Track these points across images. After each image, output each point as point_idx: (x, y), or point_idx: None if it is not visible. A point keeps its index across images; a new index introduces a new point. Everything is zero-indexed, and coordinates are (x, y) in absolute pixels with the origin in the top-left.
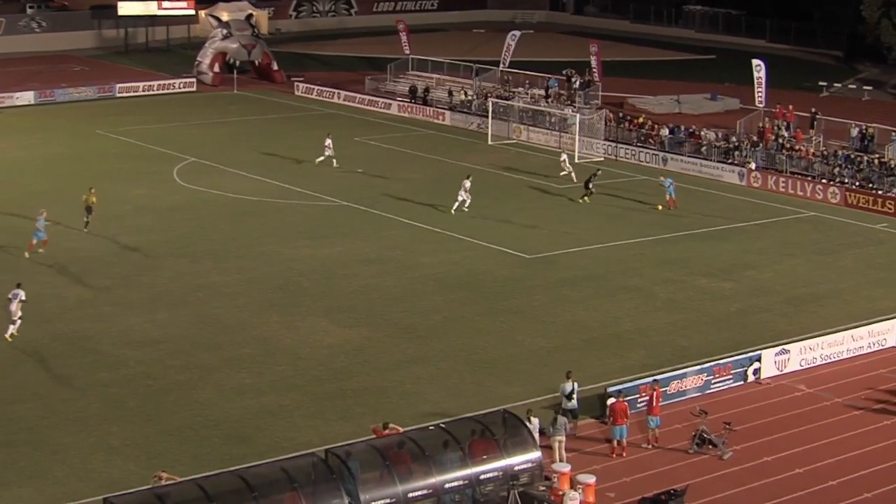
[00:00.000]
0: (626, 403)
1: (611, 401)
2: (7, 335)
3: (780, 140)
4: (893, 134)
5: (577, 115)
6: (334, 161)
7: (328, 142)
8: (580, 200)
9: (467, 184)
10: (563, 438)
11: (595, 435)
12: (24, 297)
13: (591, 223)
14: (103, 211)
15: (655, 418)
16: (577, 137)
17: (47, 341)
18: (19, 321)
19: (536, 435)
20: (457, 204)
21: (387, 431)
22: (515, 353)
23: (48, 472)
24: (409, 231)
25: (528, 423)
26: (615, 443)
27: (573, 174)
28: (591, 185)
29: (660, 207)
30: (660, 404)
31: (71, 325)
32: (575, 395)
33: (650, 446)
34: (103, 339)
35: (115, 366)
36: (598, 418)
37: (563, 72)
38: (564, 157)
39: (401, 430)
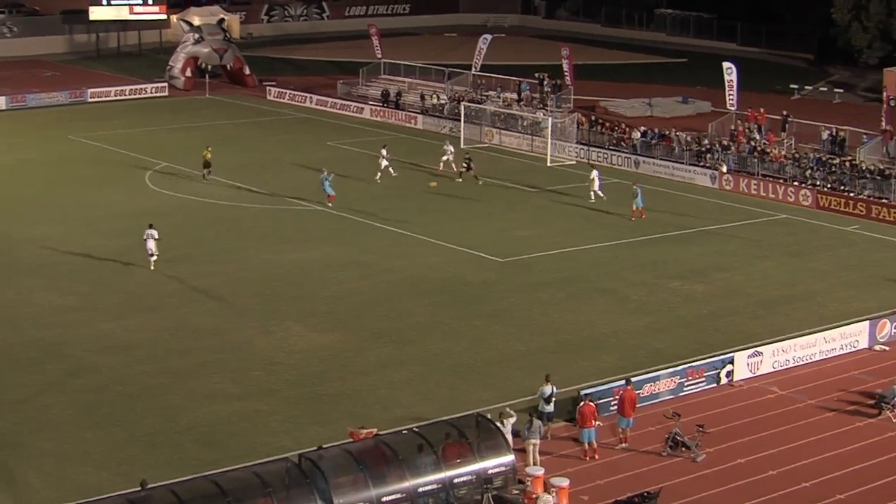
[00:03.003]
0: (593, 406)
1: (580, 404)
2: (152, 268)
3: (753, 143)
4: (864, 137)
5: (550, 119)
6: (391, 170)
7: (383, 152)
8: (460, 179)
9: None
10: (538, 442)
11: (568, 438)
12: (157, 236)
13: (564, 226)
14: (75, 215)
15: (627, 419)
16: (549, 141)
17: (20, 347)
18: (153, 258)
19: (509, 437)
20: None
21: (363, 434)
22: (489, 357)
23: (21, 478)
24: (384, 235)
25: (501, 426)
26: (586, 445)
27: (452, 164)
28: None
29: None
30: (634, 406)
31: (44, 331)
32: (554, 399)
33: (624, 444)
34: (77, 344)
35: (89, 372)
36: (571, 421)
37: (535, 75)
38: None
39: (375, 432)
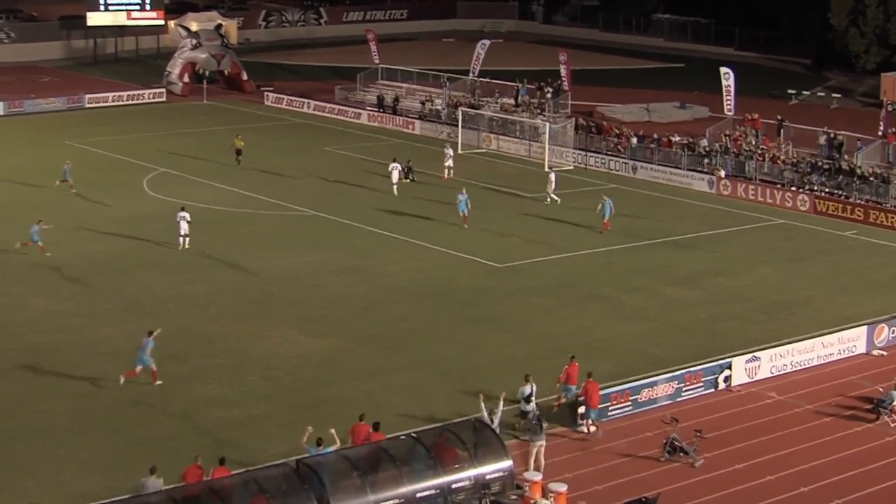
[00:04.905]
0: (597, 383)
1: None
2: (185, 247)
3: (750, 148)
4: (859, 143)
5: (548, 124)
6: (395, 189)
7: (394, 165)
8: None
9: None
10: (544, 443)
11: (566, 443)
12: (189, 218)
13: (559, 232)
14: (72, 221)
15: (594, 410)
16: (546, 146)
17: (16, 353)
18: (187, 238)
19: (497, 427)
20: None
21: (363, 423)
22: (485, 363)
23: (17, 484)
24: (379, 240)
25: (490, 422)
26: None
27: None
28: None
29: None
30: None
31: (40, 337)
32: (534, 398)
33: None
34: (73, 350)
35: (84, 377)
36: (567, 426)
37: (539, 86)
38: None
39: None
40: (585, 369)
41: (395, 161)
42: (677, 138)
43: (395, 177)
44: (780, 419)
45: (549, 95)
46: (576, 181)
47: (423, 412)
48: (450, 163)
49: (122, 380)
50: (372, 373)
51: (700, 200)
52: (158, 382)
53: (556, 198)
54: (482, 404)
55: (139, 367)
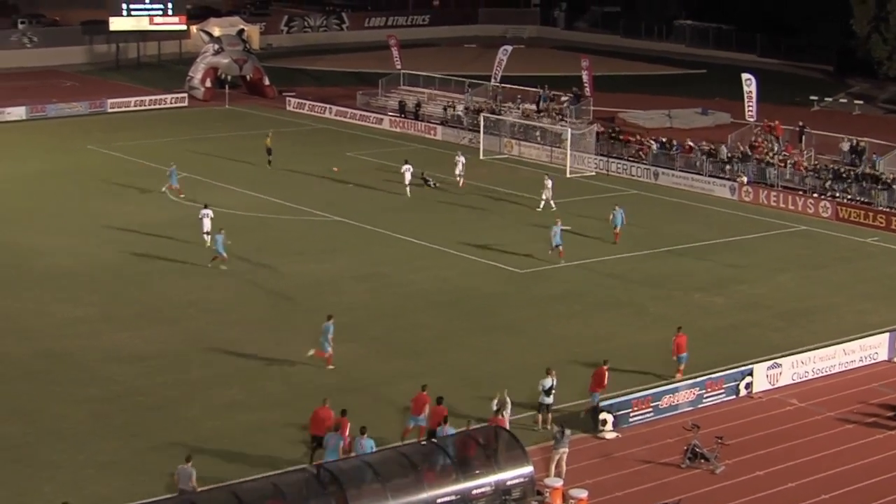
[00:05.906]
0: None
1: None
2: (209, 244)
3: (771, 154)
4: (875, 155)
5: (569, 130)
6: (408, 190)
7: (407, 167)
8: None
9: (548, 182)
10: (567, 450)
11: (587, 449)
12: (212, 215)
13: (582, 238)
14: (92, 225)
15: (595, 394)
16: (568, 152)
17: (34, 358)
18: (209, 236)
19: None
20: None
21: (425, 392)
22: (506, 369)
23: (36, 489)
24: (400, 246)
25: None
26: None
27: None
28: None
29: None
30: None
31: (59, 342)
32: (553, 392)
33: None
34: (92, 355)
35: (104, 382)
36: (588, 432)
37: (554, 96)
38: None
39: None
40: (609, 374)
41: (407, 163)
42: (693, 144)
43: (407, 178)
44: (802, 426)
45: (564, 103)
46: (598, 187)
47: None
48: (460, 169)
49: (311, 352)
50: (392, 379)
51: (722, 207)
52: (331, 367)
53: (550, 201)
54: (493, 405)
55: (328, 351)
